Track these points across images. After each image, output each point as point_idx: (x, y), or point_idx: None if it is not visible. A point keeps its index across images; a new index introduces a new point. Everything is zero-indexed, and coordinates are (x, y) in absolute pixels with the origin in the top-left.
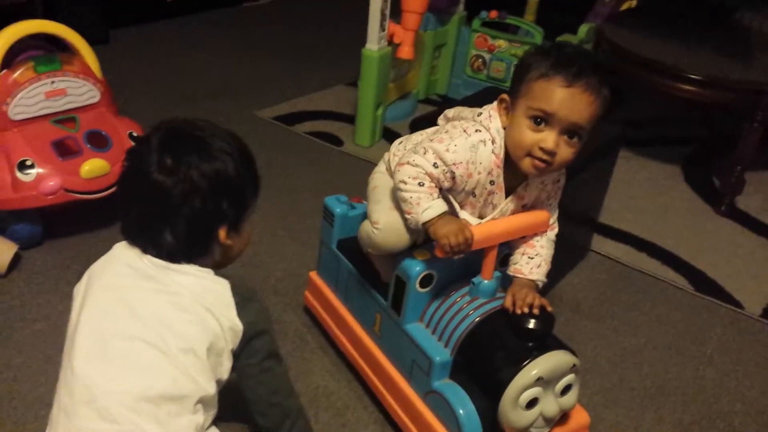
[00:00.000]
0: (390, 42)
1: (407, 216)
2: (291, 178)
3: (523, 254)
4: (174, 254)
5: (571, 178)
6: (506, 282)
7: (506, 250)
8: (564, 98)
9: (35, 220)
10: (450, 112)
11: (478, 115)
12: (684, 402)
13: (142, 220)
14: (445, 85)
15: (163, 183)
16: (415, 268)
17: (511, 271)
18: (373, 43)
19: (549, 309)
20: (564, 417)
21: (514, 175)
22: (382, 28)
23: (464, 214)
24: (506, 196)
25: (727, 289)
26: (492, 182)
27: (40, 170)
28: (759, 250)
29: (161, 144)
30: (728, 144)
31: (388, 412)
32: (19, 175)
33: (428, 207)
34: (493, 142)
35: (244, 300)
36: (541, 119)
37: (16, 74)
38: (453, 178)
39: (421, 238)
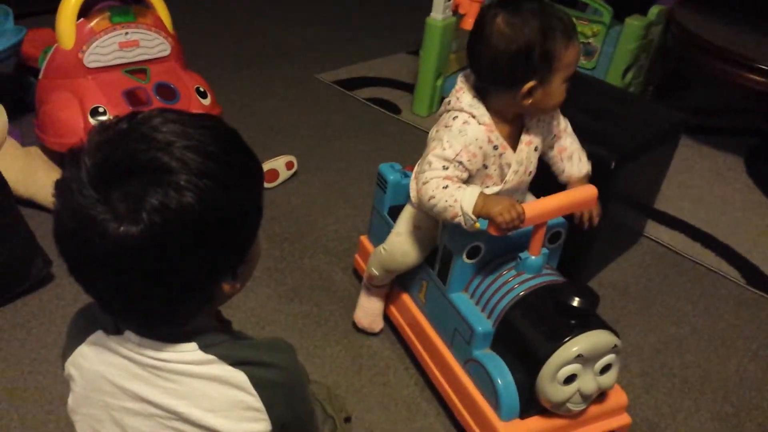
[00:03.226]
0: (455, 12)
1: (457, 220)
2: (347, 142)
3: (562, 159)
4: (162, 327)
5: (628, 163)
6: (552, 259)
7: (557, 227)
8: (577, 56)
9: None
10: (430, 136)
11: (448, 104)
12: (724, 394)
13: (102, 288)
14: None
15: (122, 237)
16: (464, 238)
17: (564, 177)
18: (438, 13)
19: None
20: (602, 396)
21: (510, 129)
22: None
23: (491, 191)
24: (514, 150)
25: None
26: (495, 147)
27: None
28: None
29: (99, 172)
30: None
31: (428, 376)
32: (91, 121)
33: (464, 196)
34: (472, 116)
35: (268, 389)
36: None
37: (92, 23)
38: (465, 168)
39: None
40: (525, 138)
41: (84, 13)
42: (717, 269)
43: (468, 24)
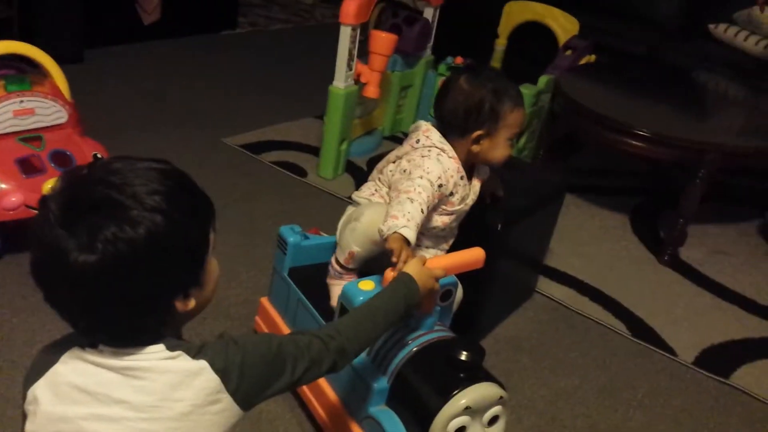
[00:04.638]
0: (357, 81)
1: (389, 219)
2: (253, 205)
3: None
4: (127, 340)
5: (514, 225)
6: (445, 317)
7: (448, 285)
8: (522, 119)
9: None
10: (381, 165)
11: (417, 142)
12: None
13: (72, 310)
14: (411, 124)
15: (83, 264)
16: (359, 297)
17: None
18: (340, 81)
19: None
20: None
21: (466, 166)
22: (350, 67)
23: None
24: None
25: (662, 337)
26: (462, 177)
27: (3, 186)
28: (697, 300)
29: (63, 212)
30: (675, 197)
31: None
32: None
33: (410, 227)
34: (443, 150)
35: (225, 370)
36: (514, 137)
37: None
38: (441, 192)
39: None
40: (477, 176)
41: None
42: (605, 322)
43: (369, 92)
